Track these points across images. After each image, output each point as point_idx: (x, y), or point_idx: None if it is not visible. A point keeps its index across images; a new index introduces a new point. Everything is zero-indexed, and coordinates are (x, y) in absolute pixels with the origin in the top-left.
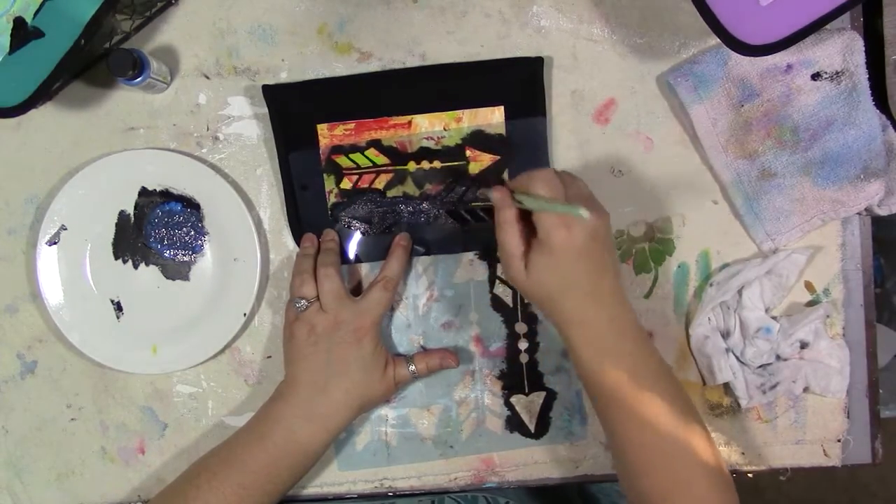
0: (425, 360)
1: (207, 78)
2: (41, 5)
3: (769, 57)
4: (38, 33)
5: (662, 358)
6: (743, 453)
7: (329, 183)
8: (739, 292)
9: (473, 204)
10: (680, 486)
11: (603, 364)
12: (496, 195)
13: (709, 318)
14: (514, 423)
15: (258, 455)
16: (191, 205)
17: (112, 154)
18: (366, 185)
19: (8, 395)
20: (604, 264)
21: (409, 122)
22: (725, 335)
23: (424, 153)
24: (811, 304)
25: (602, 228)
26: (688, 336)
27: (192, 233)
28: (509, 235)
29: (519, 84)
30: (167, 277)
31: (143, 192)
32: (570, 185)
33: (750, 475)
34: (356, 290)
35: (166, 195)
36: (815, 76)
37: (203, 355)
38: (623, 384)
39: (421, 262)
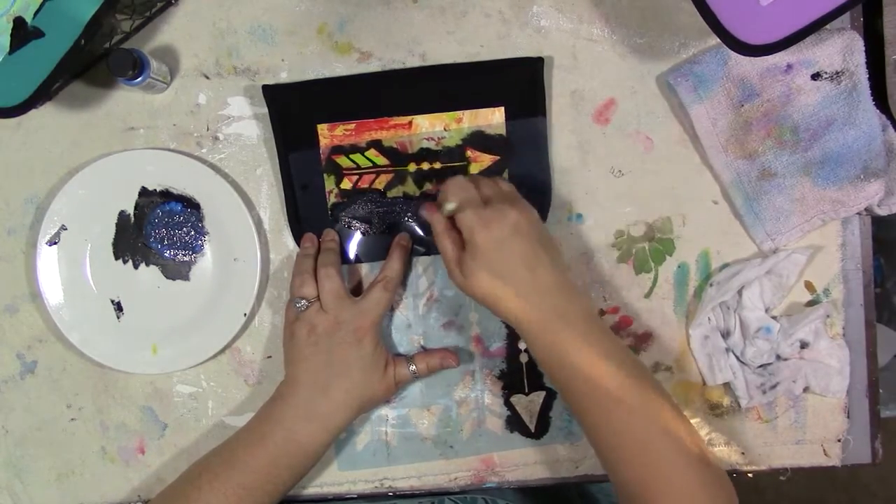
0: (426, 360)
1: (207, 78)
2: (41, 5)
3: (769, 57)
4: (38, 33)
5: (625, 345)
6: (743, 453)
7: (329, 183)
8: (739, 292)
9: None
10: (660, 476)
11: (558, 357)
12: (423, 211)
13: (709, 318)
14: (514, 422)
15: (259, 455)
16: (191, 205)
17: (112, 154)
18: (366, 186)
19: (8, 395)
20: (535, 257)
21: (410, 123)
22: (725, 335)
23: (425, 154)
24: (811, 304)
25: (524, 222)
26: (688, 336)
27: (192, 233)
28: (443, 244)
29: (519, 84)
30: (167, 277)
31: (143, 192)
32: (487, 187)
33: (750, 475)
34: (356, 290)
35: (166, 195)
36: (815, 76)
37: (203, 355)
38: (582, 376)
39: (421, 262)
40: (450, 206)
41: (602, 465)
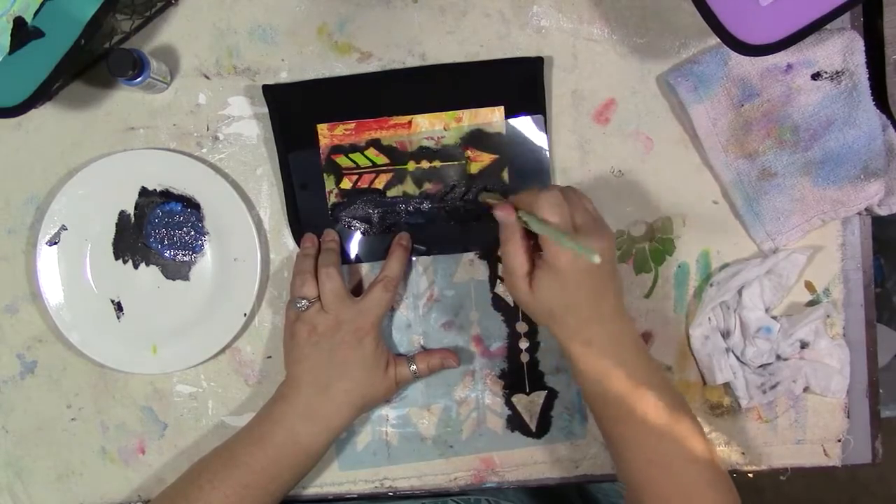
0: (426, 360)
1: (207, 78)
2: (41, 5)
3: (769, 57)
4: (38, 33)
5: (660, 367)
6: (743, 453)
7: (329, 183)
8: (739, 292)
9: (484, 196)
10: (681, 494)
11: (606, 381)
12: (501, 214)
13: (709, 318)
14: (514, 422)
15: (259, 455)
16: (191, 205)
17: (112, 154)
18: (366, 185)
19: (8, 395)
20: (605, 287)
21: (409, 122)
22: (725, 335)
23: (424, 153)
24: (811, 304)
25: (608, 250)
26: (688, 336)
27: (192, 233)
28: (514, 255)
29: (519, 84)
30: (167, 277)
31: (143, 192)
32: (576, 207)
33: (750, 475)
34: (356, 290)
35: (166, 195)
36: (815, 76)
37: (203, 355)
38: (627, 400)
39: (421, 262)
40: (570, 244)
41: (622, 480)
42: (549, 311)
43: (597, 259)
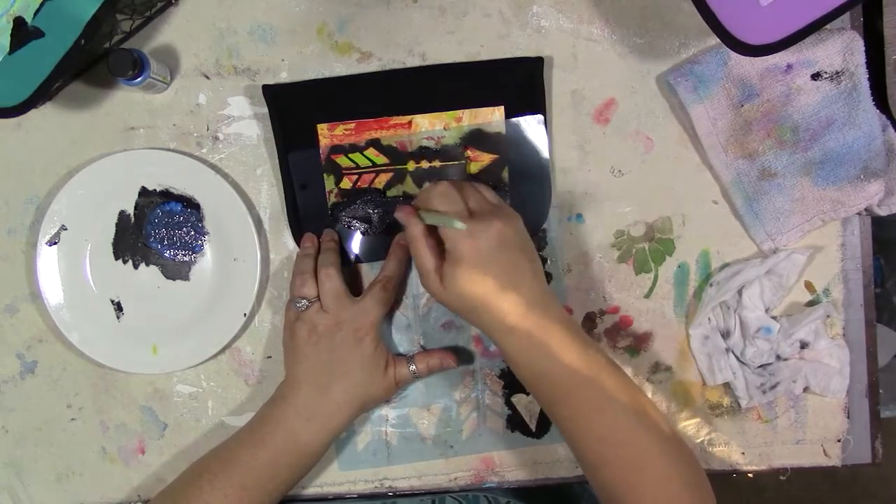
0: (426, 360)
1: (207, 78)
2: (41, 5)
3: (769, 57)
4: (38, 33)
5: (596, 343)
6: (743, 453)
7: (329, 183)
8: (739, 292)
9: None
10: (639, 470)
11: (539, 365)
12: (399, 214)
13: (709, 318)
14: (514, 422)
15: (259, 455)
16: (191, 205)
17: (112, 154)
18: (366, 185)
19: (8, 395)
20: (518, 267)
21: (409, 122)
22: (725, 335)
23: (424, 153)
24: (811, 304)
25: (510, 232)
26: (688, 336)
27: (192, 233)
28: (420, 251)
29: (519, 84)
30: (167, 277)
31: (143, 192)
32: (472, 196)
33: (750, 475)
34: (356, 290)
35: (166, 195)
36: (815, 76)
37: (203, 355)
38: (563, 382)
39: None
40: (445, 221)
41: (582, 469)
42: (466, 305)
43: (459, 225)
